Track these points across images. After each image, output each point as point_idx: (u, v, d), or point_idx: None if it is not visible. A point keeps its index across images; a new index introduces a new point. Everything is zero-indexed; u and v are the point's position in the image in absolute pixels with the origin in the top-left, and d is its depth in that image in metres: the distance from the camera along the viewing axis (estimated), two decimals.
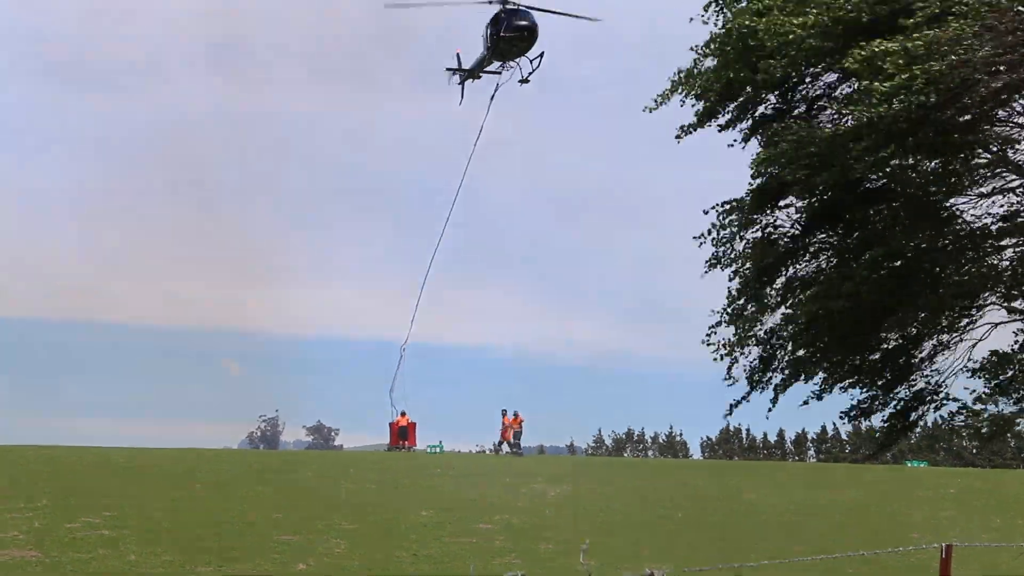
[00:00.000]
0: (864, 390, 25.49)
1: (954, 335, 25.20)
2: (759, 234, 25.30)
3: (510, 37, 49.82)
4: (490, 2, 49.72)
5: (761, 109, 25.23)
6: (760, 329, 25.41)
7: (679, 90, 25.22)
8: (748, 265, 25.17)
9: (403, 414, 66.88)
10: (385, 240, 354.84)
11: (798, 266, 25.57)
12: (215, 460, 40.28)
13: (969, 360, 25.17)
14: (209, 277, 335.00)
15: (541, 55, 51.55)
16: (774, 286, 25.40)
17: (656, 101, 25.62)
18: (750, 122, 25.28)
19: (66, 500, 24.47)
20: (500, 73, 52.74)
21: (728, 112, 25.37)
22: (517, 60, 51.84)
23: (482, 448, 67.20)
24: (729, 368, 25.77)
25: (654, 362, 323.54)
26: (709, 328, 25.62)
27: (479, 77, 54.06)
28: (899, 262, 23.60)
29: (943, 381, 25.16)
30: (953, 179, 22.90)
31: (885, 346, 25.78)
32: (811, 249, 25.41)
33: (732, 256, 25.02)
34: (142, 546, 20.69)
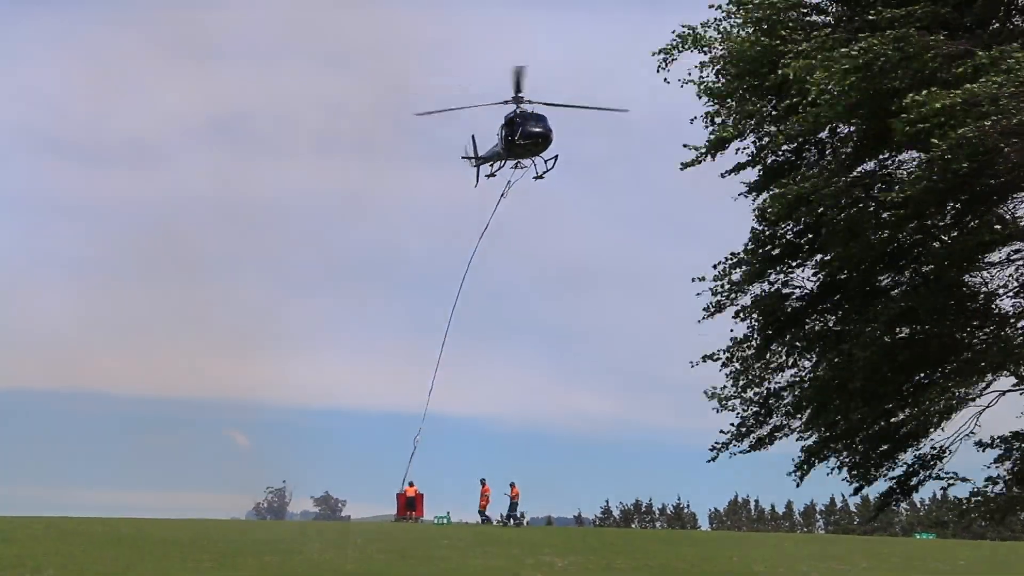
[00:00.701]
0: (864, 455, 25.32)
1: (962, 404, 25.11)
2: (767, 288, 25.15)
3: (525, 144, 50.23)
4: (505, 102, 50.31)
5: (773, 158, 25.10)
6: (760, 390, 25.24)
7: (686, 45, 24.88)
8: (756, 315, 24.98)
9: (411, 485, 66.84)
10: (389, 310, 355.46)
11: (807, 327, 25.42)
12: (223, 530, 40.22)
13: (977, 425, 25.10)
14: (208, 347, 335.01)
15: (555, 157, 52.01)
16: (781, 342, 25.22)
17: (662, 55, 25.12)
18: (760, 170, 25.13)
19: (73, 570, 24.48)
20: (516, 168, 53.20)
21: (740, 145, 25.15)
22: (532, 159, 52.26)
23: (488, 519, 66.82)
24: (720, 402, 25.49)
25: (660, 433, 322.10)
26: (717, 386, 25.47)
27: (494, 175, 54.38)
28: (912, 334, 23.52)
29: (948, 447, 25.05)
30: (971, 248, 22.88)
31: (893, 419, 25.66)
32: (820, 310, 25.26)
33: (736, 304, 24.84)
34: None
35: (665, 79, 25.47)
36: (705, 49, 24.65)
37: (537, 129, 49.71)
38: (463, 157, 56.89)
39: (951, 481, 24.90)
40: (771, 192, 23.13)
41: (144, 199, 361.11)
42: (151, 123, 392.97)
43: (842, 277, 23.44)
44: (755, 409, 24.97)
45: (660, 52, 25.05)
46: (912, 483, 25.45)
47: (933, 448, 25.17)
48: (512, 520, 65.03)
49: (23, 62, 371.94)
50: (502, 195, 53.92)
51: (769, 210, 22.90)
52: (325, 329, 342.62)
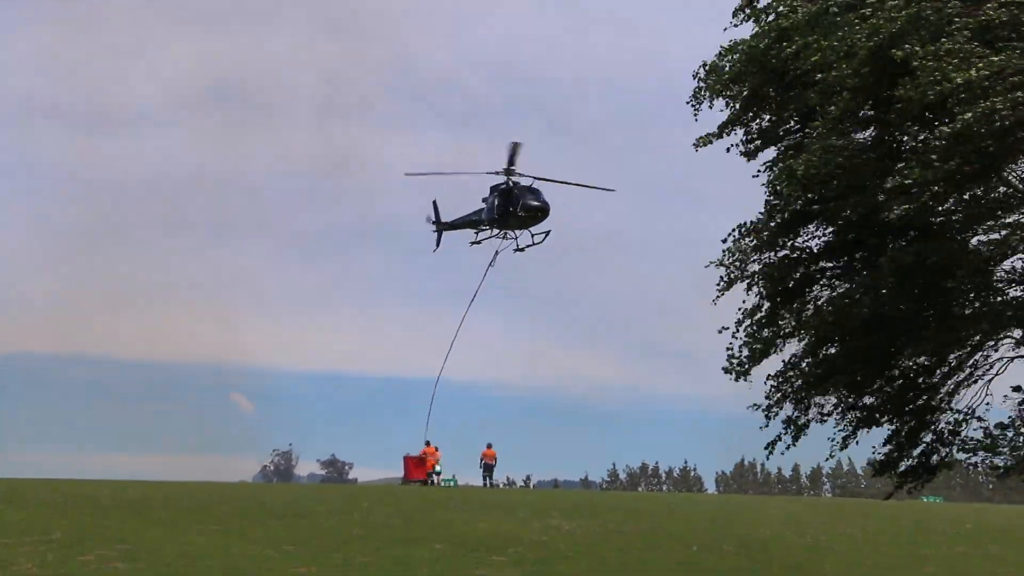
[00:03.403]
0: (888, 426, 25.25)
1: (973, 369, 25.01)
2: (776, 257, 25.11)
3: (524, 216, 51.35)
4: (497, 173, 51.42)
5: (784, 129, 25.01)
6: (776, 354, 25.19)
7: (705, 86, 25.06)
8: (766, 284, 24.92)
9: (435, 449, 67.32)
10: (389, 276, 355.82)
11: (816, 291, 25.35)
12: (230, 494, 40.31)
13: (987, 394, 25.03)
14: (209, 312, 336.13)
15: (547, 233, 52.89)
16: (790, 308, 25.16)
17: (692, 104, 25.43)
18: (773, 145, 25.07)
19: (80, 533, 24.46)
20: (503, 238, 54.01)
21: (751, 125, 25.12)
22: (518, 232, 53.25)
23: (495, 482, 67.44)
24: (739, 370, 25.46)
25: (668, 398, 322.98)
26: (728, 350, 25.43)
27: (479, 243, 55.10)
28: (918, 289, 23.38)
29: (963, 420, 24.99)
30: (977, 211, 22.71)
31: (902, 381, 25.55)
32: (829, 275, 25.21)
33: (747, 275, 24.78)
34: None
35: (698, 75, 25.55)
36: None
37: (536, 203, 51.74)
38: (429, 220, 57.77)
39: (966, 442, 24.76)
40: (780, 166, 23.07)
41: (146, 164, 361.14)
42: (148, 89, 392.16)
43: (849, 237, 23.36)
44: (772, 384, 24.94)
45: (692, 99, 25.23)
46: (933, 462, 25.37)
47: (948, 423, 25.12)
48: (487, 481, 66.16)
49: (18, 26, 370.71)
50: (490, 264, 54.80)
51: (780, 187, 22.85)
52: (325, 294, 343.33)
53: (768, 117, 25.11)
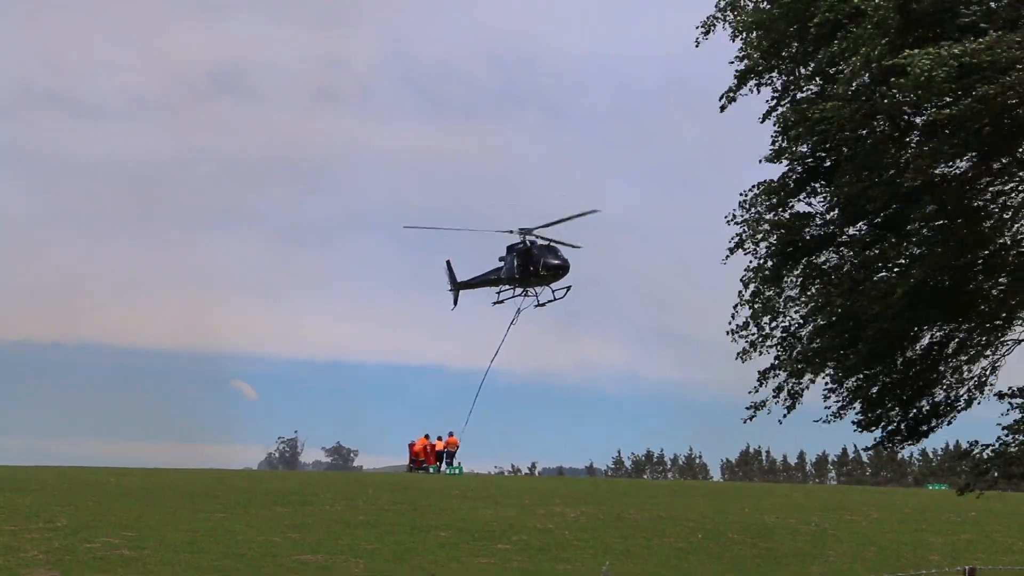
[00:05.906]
0: (886, 400, 25.10)
1: (980, 349, 24.87)
2: (787, 215, 24.94)
3: (545, 275, 51.88)
4: (510, 232, 51.92)
5: (801, 94, 24.90)
6: (777, 325, 25.00)
7: (723, 16, 24.88)
8: (773, 239, 24.73)
9: (439, 438, 67.42)
10: (389, 263, 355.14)
11: (824, 256, 25.16)
12: (235, 480, 40.38)
13: (992, 374, 24.86)
14: (210, 299, 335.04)
15: (568, 288, 53.17)
16: (796, 271, 24.98)
17: (702, 28, 25.28)
18: (787, 101, 24.93)
19: (85, 520, 24.52)
20: (524, 296, 54.26)
21: (765, 78, 24.99)
22: (539, 288, 53.60)
23: (500, 470, 67.49)
24: (745, 352, 25.30)
25: (673, 385, 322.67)
26: (732, 315, 25.25)
27: (502, 302, 55.31)
28: (933, 272, 23.24)
29: (963, 395, 24.84)
30: (989, 179, 22.62)
31: (909, 355, 25.42)
32: (839, 239, 25.02)
33: (758, 235, 24.57)
34: (161, 566, 20.71)
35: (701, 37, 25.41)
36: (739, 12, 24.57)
37: (556, 262, 52.18)
38: (449, 284, 58.01)
39: (972, 444, 24.71)
40: (794, 107, 22.90)
41: (144, 151, 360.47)
42: (145, 76, 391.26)
43: (863, 207, 23.22)
44: (776, 352, 24.71)
45: (701, 26, 25.01)
46: (922, 429, 25.24)
47: (947, 396, 24.97)
48: (444, 466, 66.50)
49: (11, 13, 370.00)
50: (512, 322, 54.81)
51: (791, 122, 22.61)
52: (325, 282, 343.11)
53: (785, 76, 24.89)
